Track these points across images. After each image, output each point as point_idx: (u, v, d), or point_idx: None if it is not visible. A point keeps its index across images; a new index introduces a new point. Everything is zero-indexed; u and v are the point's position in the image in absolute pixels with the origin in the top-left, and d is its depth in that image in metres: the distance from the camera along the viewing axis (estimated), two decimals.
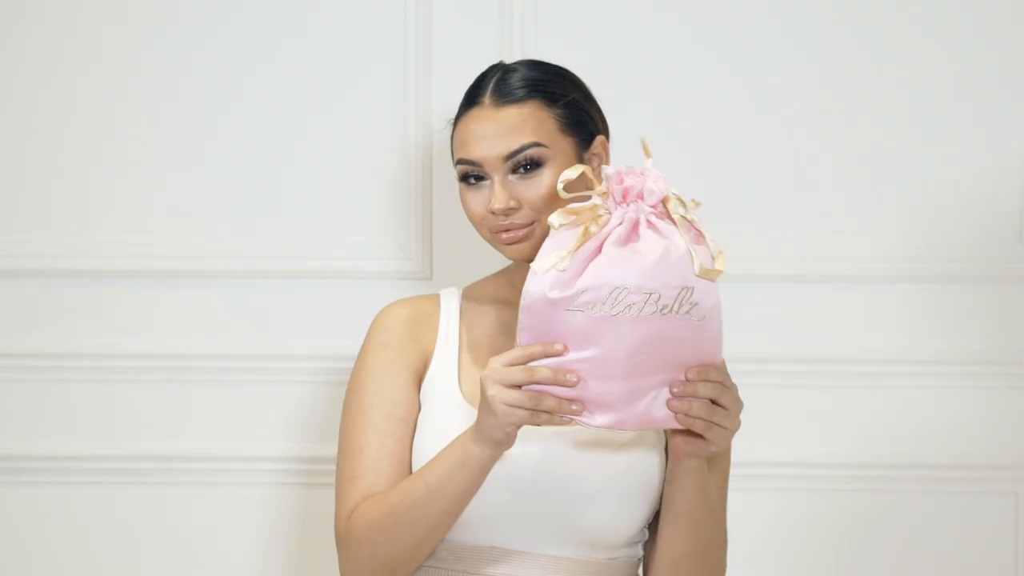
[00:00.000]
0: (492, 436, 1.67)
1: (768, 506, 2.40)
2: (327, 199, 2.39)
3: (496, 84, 1.84)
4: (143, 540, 2.41)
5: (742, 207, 2.39)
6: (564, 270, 1.65)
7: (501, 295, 1.91)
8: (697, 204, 1.74)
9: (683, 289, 1.66)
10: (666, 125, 2.38)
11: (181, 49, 2.38)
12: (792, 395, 2.41)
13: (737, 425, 1.71)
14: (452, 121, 1.89)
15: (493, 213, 1.80)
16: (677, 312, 1.66)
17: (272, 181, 2.39)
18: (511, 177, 1.81)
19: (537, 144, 1.81)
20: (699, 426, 1.68)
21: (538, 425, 1.66)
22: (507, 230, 1.81)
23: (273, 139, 2.38)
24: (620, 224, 1.68)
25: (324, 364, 2.39)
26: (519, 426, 1.66)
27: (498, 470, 1.75)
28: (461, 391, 1.83)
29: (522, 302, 1.65)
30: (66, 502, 2.41)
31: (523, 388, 1.64)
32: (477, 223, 1.84)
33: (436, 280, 2.37)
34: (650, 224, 1.69)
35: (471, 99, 1.85)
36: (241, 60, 2.38)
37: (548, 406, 1.64)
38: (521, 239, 1.82)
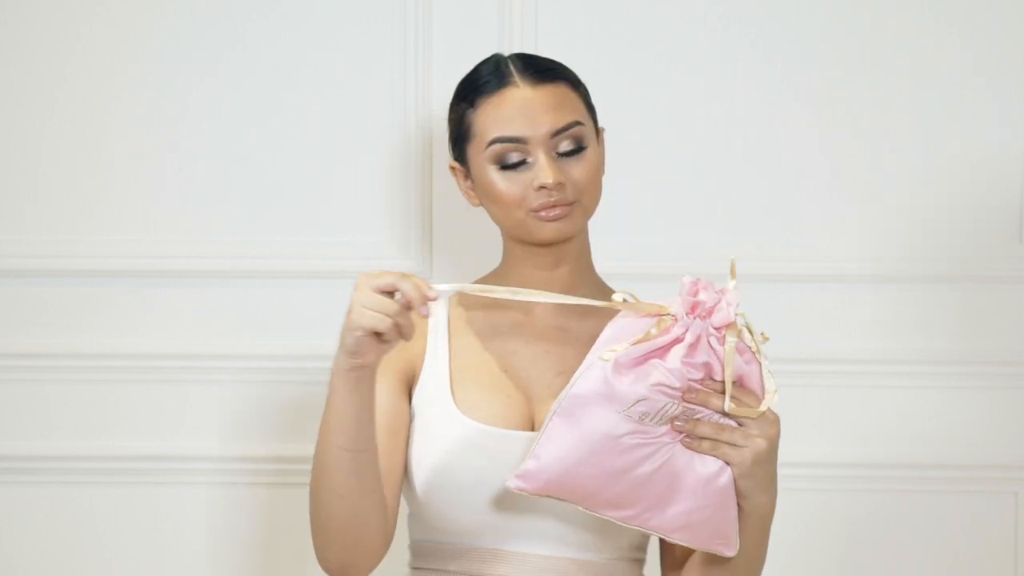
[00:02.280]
0: (344, 341, 1.64)
1: None
2: (327, 199, 2.39)
3: (522, 66, 1.82)
4: (142, 540, 2.41)
5: (742, 207, 2.40)
6: (621, 361, 1.63)
7: (488, 301, 1.89)
8: (765, 339, 1.72)
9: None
10: (666, 125, 2.38)
11: (180, 49, 2.38)
12: (792, 395, 2.40)
13: (759, 446, 1.66)
14: (455, 112, 1.85)
15: (544, 187, 1.77)
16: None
17: (272, 181, 2.39)
18: (558, 159, 1.79)
19: (580, 123, 1.80)
20: (705, 447, 1.66)
21: (385, 342, 1.62)
22: (553, 207, 1.78)
23: (273, 139, 2.39)
24: (685, 331, 1.66)
25: (324, 364, 2.37)
26: (366, 333, 1.61)
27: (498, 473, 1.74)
28: (454, 402, 1.82)
29: (573, 390, 1.63)
30: (66, 502, 2.41)
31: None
32: (513, 204, 1.80)
33: (436, 280, 2.37)
34: (710, 346, 1.67)
35: (495, 82, 1.82)
36: (240, 60, 2.38)
37: (401, 320, 1.60)
38: (563, 216, 1.79)
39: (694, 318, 1.67)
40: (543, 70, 1.82)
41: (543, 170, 1.77)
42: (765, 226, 2.40)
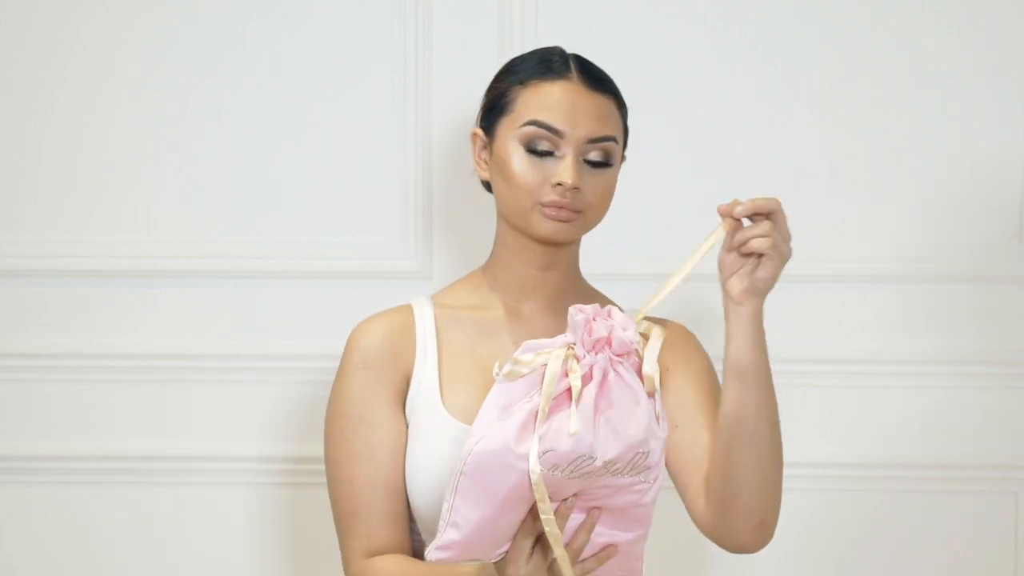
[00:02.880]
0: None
1: None
2: (327, 199, 2.39)
3: (581, 67, 1.84)
4: (142, 540, 2.41)
5: None
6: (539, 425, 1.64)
7: (474, 301, 1.89)
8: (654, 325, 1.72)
9: (639, 453, 1.66)
10: (666, 125, 2.38)
11: (180, 49, 2.38)
12: (792, 395, 2.40)
13: (788, 252, 1.71)
14: (500, 83, 1.85)
15: (561, 185, 1.78)
16: (626, 474, 1.67)
17: (272, 181, 2.39)
18: (584, 165, 1.80)
19: (615, 140, 1.82)
20: (764, 244, 1.69)
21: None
22: (561, 207, 1.79)
23: (273, 139, 2.38)
24: (591, 369, 1.66)
25: (324, 364, 2.39)
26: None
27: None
28: (444, 405, 1.82)
29: (470, 454, 1.63)
30: (66, 502, 2.41)
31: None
32: (526, 190, 1.80)
33: (436, 280, 2.37)
34: (617, 375, 1.68)
35: (555, 70, 1.83)
36: (240, 59, 2.38)
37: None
38: (567, 220, 1.80)
39: (597, 353, 1.67)
40: (601, 79, 1.84)
41: (566, 169, 1.78)
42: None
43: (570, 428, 1.63)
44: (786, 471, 2.40)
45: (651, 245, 2.38)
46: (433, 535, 1.81)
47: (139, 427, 2.40)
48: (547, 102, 1.80)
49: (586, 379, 1.65)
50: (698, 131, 2.39)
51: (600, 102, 1.81)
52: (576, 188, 1.78)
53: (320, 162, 2.39)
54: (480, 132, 1.86)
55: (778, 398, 2.42)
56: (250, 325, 2.40)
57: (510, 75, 1.85)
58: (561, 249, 1.85)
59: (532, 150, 1.80)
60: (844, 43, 2.38)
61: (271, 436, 2.41)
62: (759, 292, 1.70)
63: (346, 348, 1.88)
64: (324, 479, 2.40)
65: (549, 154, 1.79)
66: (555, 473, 1.63)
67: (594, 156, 1.80)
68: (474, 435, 1.64)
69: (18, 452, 2.41)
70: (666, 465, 1.82)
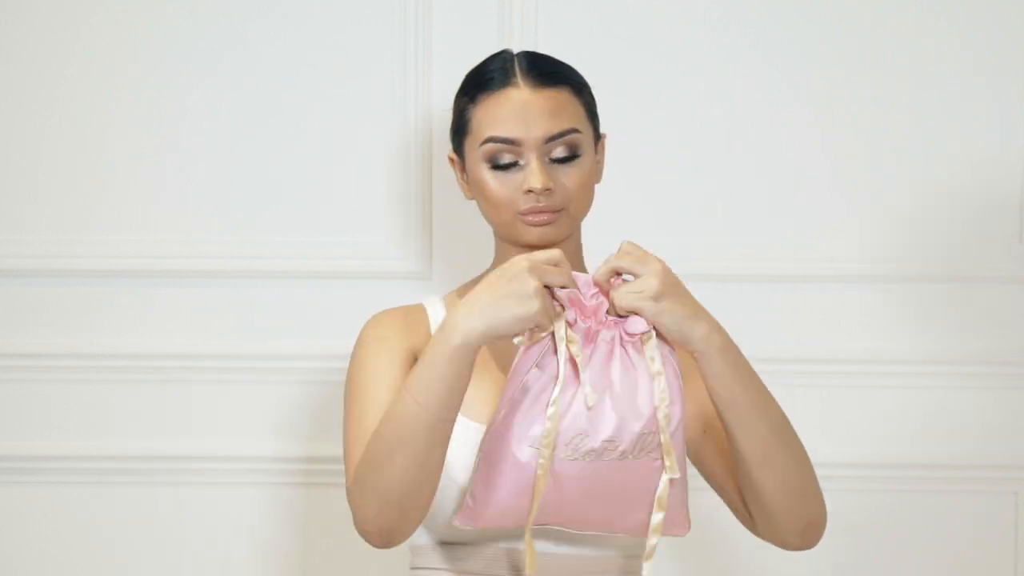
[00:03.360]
0: (505, 325, 1.61)
1: None
2: (327, 199, 2.39)
3: (527, 67, 1.82)
4: (142, 540, 2.41)
5: (742, 207, 2.40)
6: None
7: None
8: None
9: (643, 435, 1.65)
10: (666, 125, 2.38)
11: (180, 49, 2.38)
12: (792, 395, 2.40)
13: (655, 274, 1.64)
14: (457, 105, 1.85)
15: (532, 192, 1.77)
16: (637, 457, 1.66)
17: (272, 181, 2.39)
18: (549, 164, 1.79)
19: (576, 130, 1.80)
20: (628, 302, 1.64)
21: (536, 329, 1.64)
22: (540, 212, 1.78)
23: (273, 139, 2.39)
24: (587, 343, 1.66)
25: (324, 364, 2.39)
26: (531, 321, 1.61)
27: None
28: None
29: (486, 432, 1.65)
30: (66, 502, 2.41)
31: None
32: (502, 205, 1.80)
33: (436, 280, 2.37)
34: (624, 352, 1.67)
35: (499, 79, 1.81)
36: (240, 60, 2.38)
37: (558, 292, 1.62)
38: (549, 222, 1.79)
39: (594, 321, 1.67)
40: (547, 73, 1.81)
41: (532, 174, 1.77)
42: (765, 226, 2.40)
43: (587, 400, 1.63)
44: None
45: (651, 245, 2.37)
46: (435, 531, 1.82)
47: (139, 427, 2.40)
48: (497, 115, 1.79)
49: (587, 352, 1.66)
50: (698, 131, 2.39)
51: (550, 97, 1.80)
52: (548, 190, 1.77)
53: (320, 162, 2.39)
54: (455, 157, 1.87)
55: (778, 398, 2.43)
56: (250, 325, 2.40)
57: (463, 94, 1.84)
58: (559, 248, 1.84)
59: (496, 165, 1.80)
60: (844, 43, 2.39)
61: (271, 436, 2.41)
62: (687, 338, 1.67)
63: (363, 329, 1.87)
64: (326, 479, 2.41)
65: (514, 164, 1.79)
66: (559, 455, 1.63)
67: (558, 153, 1.79)
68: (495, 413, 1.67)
69: (18, 452, 2.41)
70: (701, 471, 1.84)
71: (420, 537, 1.86)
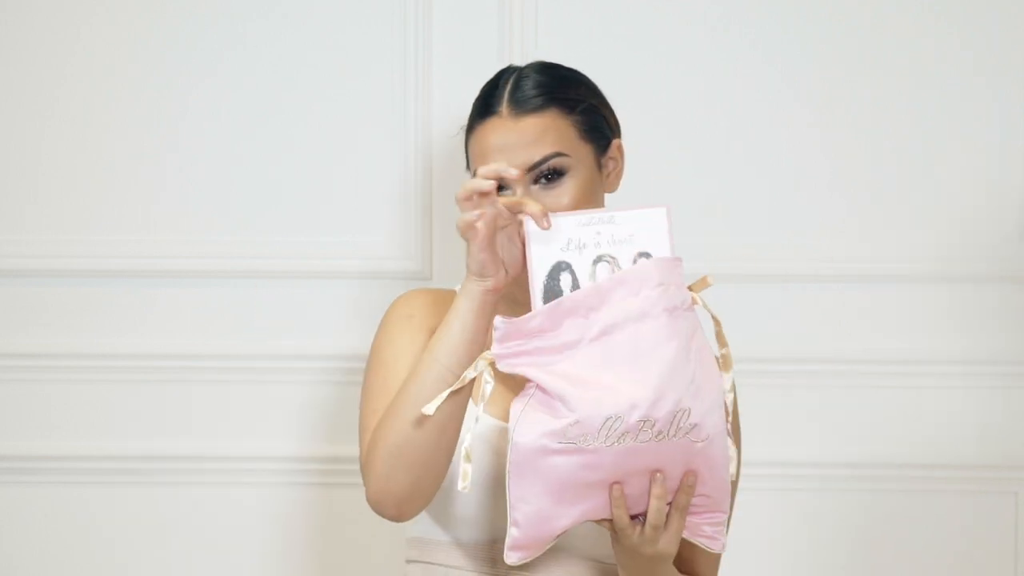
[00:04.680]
0: (469, 264, 1.71)
1: (768, 506, 2.40)
2: (327, 199, 2.39)
3: (511, 92, 1.82)
4: (142, 540, 2.41)
5: (742, 207, 2.39)
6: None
7: (509, 293, 1.90)
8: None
9: (678, 412, 1.64)
10: (666, 125, 2.38)
11: (180, 49, 2.38)
12: (792, 395, 2.41)
13: (654, 545, 1.70)
14: (464, 128, 1.87)
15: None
16: (674, 436, 1.65)
17: (272, 181, 2.39)
18: (533, 187, 1.79)
19: (559, 154, 1.79)
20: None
21: (476, 240, 1.68)
22: None
23: (273, 139, 2.38)
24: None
25: (324, 364, 2.39)
26: (471, 240, 1.68)
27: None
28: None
29: (511, 448, 1.65)
30: (66, 502, 2.41)
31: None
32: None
33: (436, 280, 2.37)
34: (635, 326, 1.67)
35: (486, 107, 1.83)
36: (240, 60, 2.38)
37: (487, 214, 1.67)
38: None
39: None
40: (529, 98, 1.81)
41: None
42: (765, 226, 2.40)
43: (584, 381, 1.64)
44: (786, 471, 2.42)
45: None
46: (435, 524, 1.83)
47: (139, 427, 2.40)
48: (482, 149, 1.81)
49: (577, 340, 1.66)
50: (698, 131, 2.39)
51: (530, 125, 1.80)
52: None
53: (320, 162, 2.39)
54: None
55: (778, 398, 2.43)
56: (250, 325, 2.40)
57: (468, 122, 1.87)
58: None
59: None
60: (844, 43, 2.38)
61: (271, 436, 2.41)
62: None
63: (392, 305, 1.89)
64: (327, 479, 2.41)
65: (504, 190, 1.78)
66: (595, 443, 1.63)
67: (543, 179, 1.80)
68: (511, 426, 1.66)
69: (18, 452, 2.40)
70: None
71: (420, 529, 1.86)
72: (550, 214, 1.69)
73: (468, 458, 1.68)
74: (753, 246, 2.39)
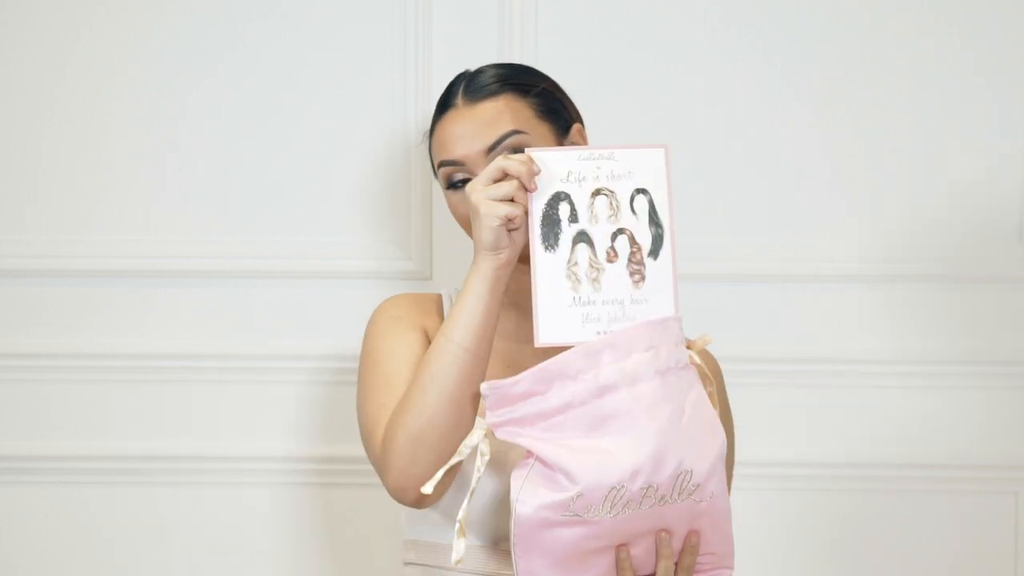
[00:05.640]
0: (484, 240, 1.70)
1: (767, 506, 2.40)
2: (327, 199, 2.39)
3: (466, 85, 1.85)
4: (142, 540, 2.41)
5: (742, 207, 2.40)
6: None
7: (514, 301, 1.90)
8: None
9: (680, 475, 1.65)
10: (666, 125, 2.38)
11: (180, 49, 2.38)
12: (791, 395, 2.41)
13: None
14: (427, 133, 1.90)
15: None
16: (678, 498, 1.65)
17: (272, 181, 2.39)
18: None
19: (517, 131, 1.81)
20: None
21: (514, 226, 1.70)
22: None
23: (273, 139, 2.38)
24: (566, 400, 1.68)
25: (324, 364, 2.39)
26: (502, 222, 1.69)
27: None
28: None
29: (514, 521, 1.65)
30: (66, 502, 2.41)
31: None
32: (465, 222, 1.85)
33: (436, 280, 2.37)
34: (624, 392, 1.68)
35: (444, 105, 1.87)
36: (240, 60, 2.38)
37: (518, 195, 1.69)
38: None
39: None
40: (483, 86, 1.85)
41: None
42: (765, 226, 2.40)
43: (579, 450, 1.64)
44: (786, 471, 2.42)
45: None
46: (433, 527, 1.83)
47: (139, 427, 2.40)
48: (442, 140, 1.85)
49: (566, 406, 1.66)
50: (698, 131, 2.39)
51: (484, 109, 1.83)
52: None
53: (320, 162, 2.39)
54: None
55: (778, 398, 2.43)
56: (250, 325, 2.40)
57: (431, 123, 1.89)
58: None
59: (452, 186, 1.84)
60: (844, 43, 2.38)
61: (271, 436, 2.41)
62: None
63: (377, 310, 1.90)
64: (327, 479, 2.41)
65: (468, 179, 1.82)
66: (599, 515, 1.63)
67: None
68: (513, 496, 1.67)
69: (18, 452, 2.41)
70: None
71: (418, 532, 1.86)
72: (551, 149, 1.74)
73: (462, 532, 1.69)
74: (753, 246, 2.39)
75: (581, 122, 1.91)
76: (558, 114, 1.86)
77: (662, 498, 1.64)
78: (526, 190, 1.70)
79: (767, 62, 2.39)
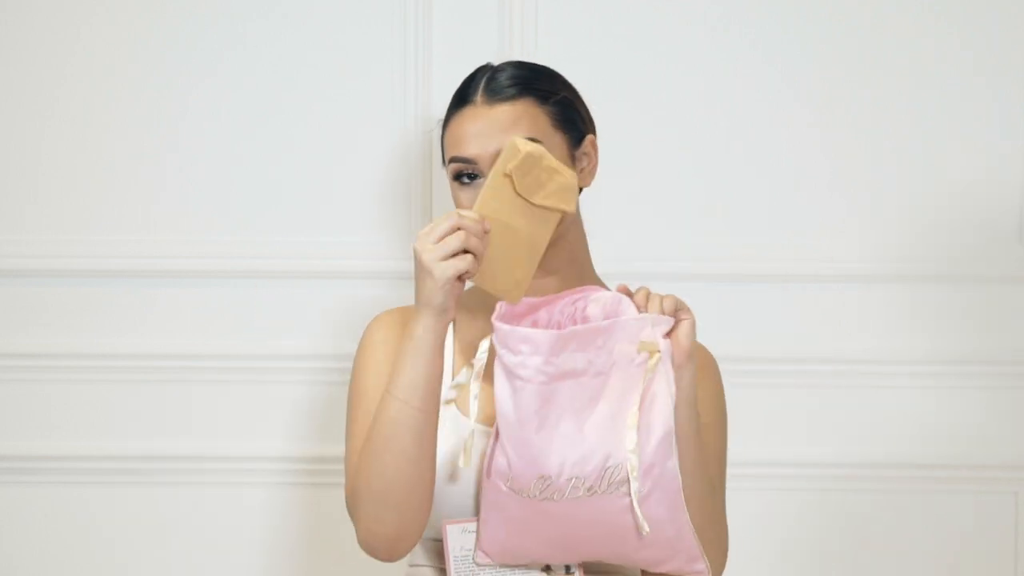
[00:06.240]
0: (432, 301, 1.71)
1: (767, 506, 2.40)
2: (327, 199, 2.39)
3: (487, 83, 1.84)
4: (142, 540, 2.41)
5: (742, 207, 2.39)
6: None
7: (490, 303, 1.90)
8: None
9: (605, 469, 1.67)
10: (666, 125, 2.38)
11: (180, 49, 2.38)
12: (791, 395, 2.41)
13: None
14: (441, 122, 1.89)
15: None
16: (606, 492, 1.68)
17: (272, 181, 2.39)
18: None
19: (531, 140, 1.80)
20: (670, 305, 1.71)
21: (469, 277, 1.71)
22: None
23: (273, 139, 2.38)
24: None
25: (324, 364, 2.39)
26: (455, 277, 1.70)
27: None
28: (456, 402, 1.83)
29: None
30: (66, 502, 2.41)
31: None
32: None
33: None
34: (579, 382, 1.70)
35: (462, 99, 1.85)
36: (240, 60, 2.38)
37: (473, 244, 1.69)
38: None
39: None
40: (505, 87, 1.84)
41: None
42: (765, 226, 2.40)
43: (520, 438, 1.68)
44: (786, 471, 2.42)
45: (651, 245, 2.38)
46: (432, 528, 1.83)
47: (139, 427, 2.40)
48: (456, 135, 1.84)
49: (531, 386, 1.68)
50: (698, 131, 2.39)
51: (504, 111, 1.82)
52: None
53: (320, 162, 2.39)
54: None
55: (778, 398, 2.43)
56: (250, 325, 2.40)
57: (446, 113, 1.89)
58: (545, 257, 1.85)
59: (462, 182, 1.84)
60: (844, 43, 2.38)
61: (271, 436, 2.41)
62: (688, 353, 1.72)
63: (366, 331, 1.90)
64: (325, 479, 2.41)
65: (476, 177, 1.82)
66: (522, 495, 1.68)
67: None
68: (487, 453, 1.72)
69: (18, 452, 2.41)
70: None
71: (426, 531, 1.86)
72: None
73: (467, 451, 1.73)
74: (753, 246, 2.39)
75: (595, 132, 1.90)
76: (573, 124, 1.85)
77: (590, 488, 1.67)
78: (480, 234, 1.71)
79: (767, 62, 2.39)
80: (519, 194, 1.72)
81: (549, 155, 1.73)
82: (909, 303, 2.41)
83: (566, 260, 1.87)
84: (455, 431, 1.79)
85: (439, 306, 1.71)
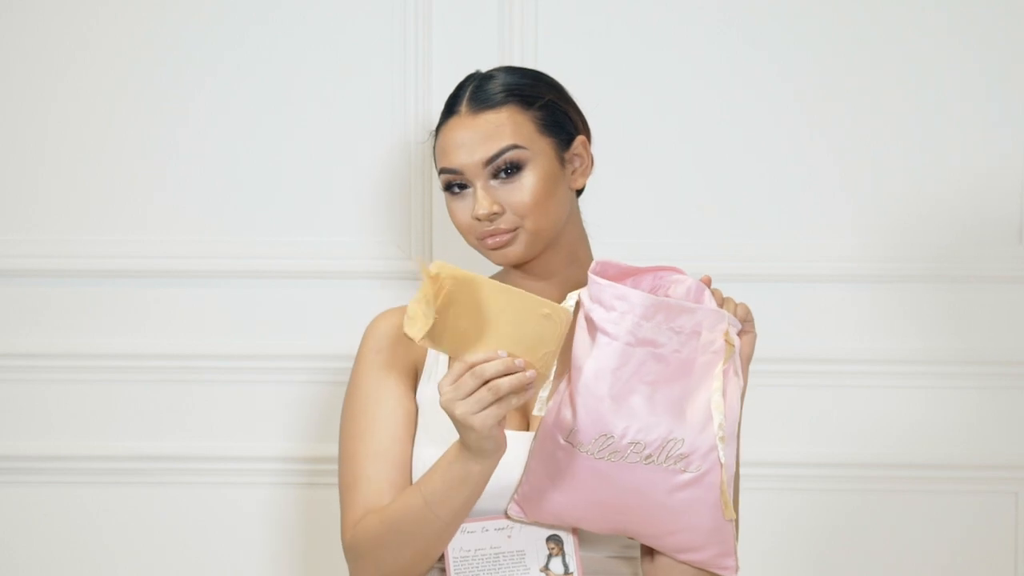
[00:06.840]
0: (483, 448, 1.66)
1: (767, 506, 2.40)
2: (327, 199, 2.39)
3: (472, 92, 1.84)
4: (142, 540, 2.41)
5: (742, 206, 2.39)
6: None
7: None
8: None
9: (668, 441, 1.69)
10: (666, 125, 2.38)
11: (180, 49, 2.38)
12: (791, 395, 2.41)
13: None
14: (433, 132, 1.89)
15: (478, 219, 1.80)
16: (663, 463, 1.70)
17: (272, 181, 2.39)
18: (492, 182, 1.80)
19: (516, 147, 1.80)
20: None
21: (512, 408, 1.64)
22: (492, 235, 1.81)
23: (273, 139, 2.38)
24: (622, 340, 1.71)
25: (324, 364, 2.39)
26: (498, 423, 1.63)
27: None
28: None
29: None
30: (65, 502, 2.41)
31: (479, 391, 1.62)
32: (464, 231, 1.84)
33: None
34: (661, 355, 1.72)
35: (449, 109, 1.86)
36: (240, 60, 2.38)
37: (508, 390, 1.60)
38: (506, 244, 1.81)
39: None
40: (488, 96, 1.83)
41: (476, 202, 1.80)
42: (765, 226, 2.40)
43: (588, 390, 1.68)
44: (786, 471, 2.42)
45: (651, 245, 2.38)
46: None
47: (139, 427, 2.40)
48: (444, 146, 1.84)
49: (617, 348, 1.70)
50: (698, 131, 2.39)
51: (486, 120, 1.82)
52: (494, 214, 1.79)
53: (320, 163, 2.39)
54: None
55: (778, 398, 2.43)
56: (249, 325, 2.40)
57: (437, 124, 1.89)
58: (547, 259, 1.85)
59: (453, 194, 1.84)
60: (844, 43, 2.38)
61: (271, 436, 2.41)
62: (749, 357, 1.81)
63: (363, 337, 1.89)
64: (328, 479, 2.41)
65: (466, 187, 1.82)
66: (585, 451, 1.68)
67: (502, 174, 1.81)
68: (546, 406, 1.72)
69: (18, 452, 2.41)
70: None
71: None
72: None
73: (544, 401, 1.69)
74: (753, 246, 2.39)
75: (588, 133, 1.89)
76: (561, 127, 1.85)
77: (648, 457, 1.68)
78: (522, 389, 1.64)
79: (767, 63, 2.39)
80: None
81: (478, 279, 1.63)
82: (909, 303, 2.41)
83: (565, 262, 1.87)
84: None
85: (492, 451, 1.67)
